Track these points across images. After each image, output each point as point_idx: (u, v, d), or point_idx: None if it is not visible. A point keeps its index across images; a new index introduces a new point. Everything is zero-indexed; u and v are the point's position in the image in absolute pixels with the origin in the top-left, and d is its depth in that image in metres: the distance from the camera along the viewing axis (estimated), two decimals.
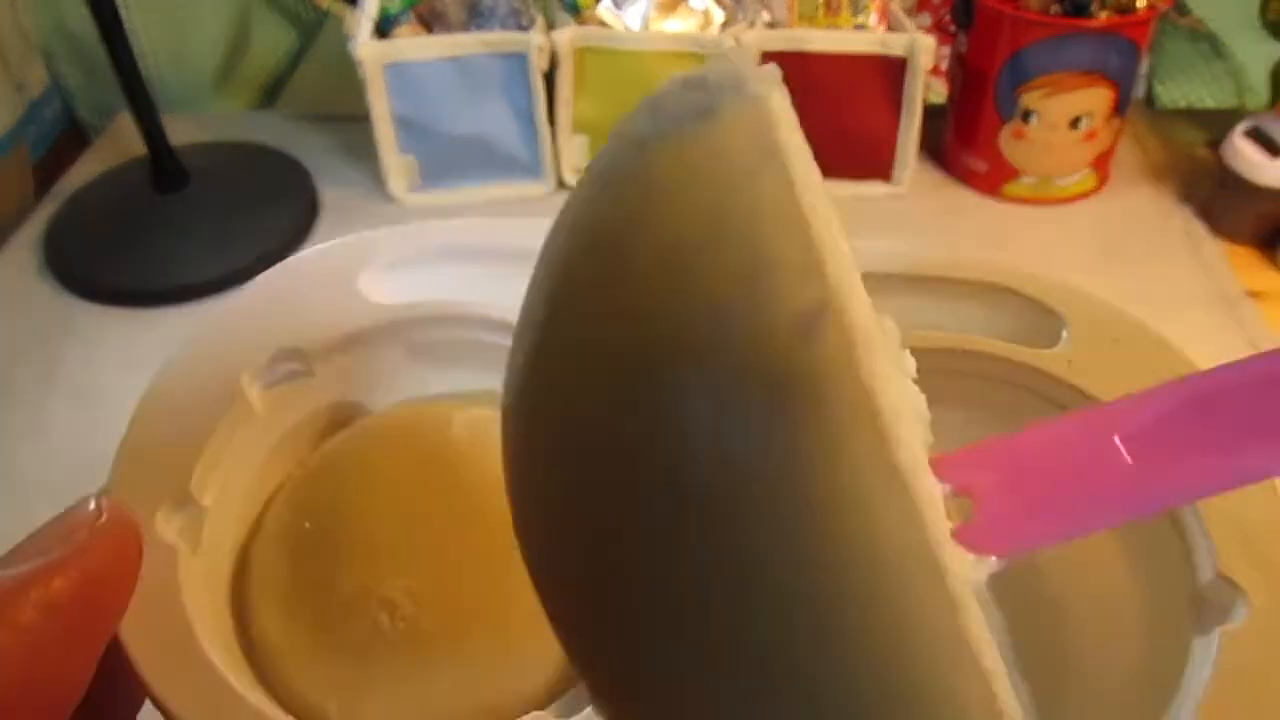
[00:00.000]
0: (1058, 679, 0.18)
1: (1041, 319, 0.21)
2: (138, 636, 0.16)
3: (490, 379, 0.20)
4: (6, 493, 0.50)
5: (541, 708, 0.16)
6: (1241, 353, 0.54)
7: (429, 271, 0.20)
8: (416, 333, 0.20)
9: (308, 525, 0.19)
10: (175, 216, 0.64)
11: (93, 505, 0.16)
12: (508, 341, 0.17)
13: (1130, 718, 0.16)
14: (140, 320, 0.60)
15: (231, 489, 0.18)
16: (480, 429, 0.20)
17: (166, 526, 0.17)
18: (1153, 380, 0.17)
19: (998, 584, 0.18)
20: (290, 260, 0.20)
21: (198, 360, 0.18)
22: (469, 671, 0.17)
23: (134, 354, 0.58)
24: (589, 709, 0.16)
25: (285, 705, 0.17)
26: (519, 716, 0.16)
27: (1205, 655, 0.15)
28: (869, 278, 0.19)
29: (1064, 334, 0.20)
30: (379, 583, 0.18)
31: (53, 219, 0.67)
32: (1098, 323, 0.21)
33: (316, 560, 0.18)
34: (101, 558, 0.16)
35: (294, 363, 0.19)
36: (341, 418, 0.20)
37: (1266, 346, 0.56)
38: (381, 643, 0.17)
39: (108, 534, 0.16)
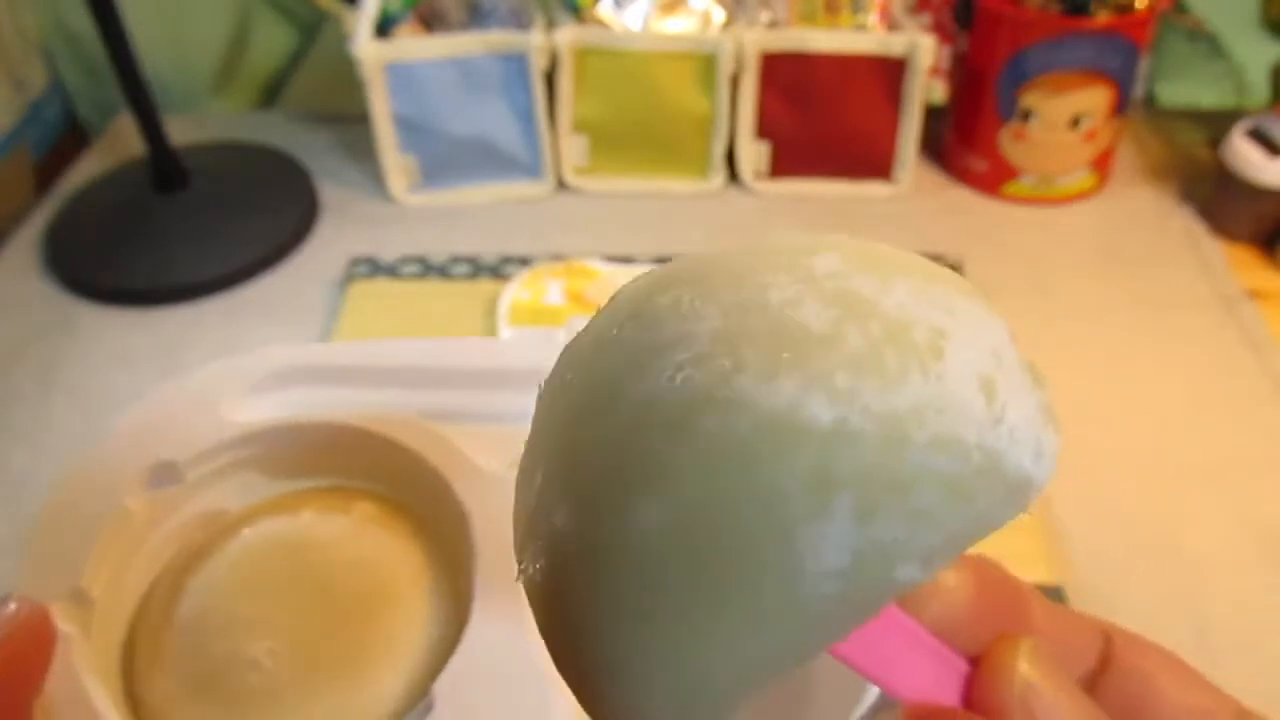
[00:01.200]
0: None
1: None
2: (43, 714, 0.19)
3: (334, 476, 0.24)
4: (6, 493, 0.50)
5: None
6: (1241, 353, 0.54)
7: (279, 392, 0.24)
8: (270, 441, 0.23)
9: (184, 607, 0.22)
10: (175, 216, 0.64)
11: (12, 606, 0.19)
12: (346, 442, 0.22)
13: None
14: (140, 320, 0.60)
15: (117, 581, 0.21)
16: (324, 514, 0.23)
17: (63, 617, 0.19)
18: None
19: None
20: (163, 388, 0.24)
21: (86, 473, 0.22)
22: (323, 709, 0.21)
23: (134, 354, 0.58)
24: (429, 714, 0.19)
25: None
26: None
27: None
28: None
29: None
30: (245, 647, 0.21)
31: (53, 219, 0.67)
32: None
33: (192, 635, 0.22)
34: (20, 642, 0.18)
35: (168, 473, 0.23)
36: (209, 515, 0.24)
37: (1266, 346, 0.56)
38: (248, 694, 0.21)
39: (23, 623, 0.18)
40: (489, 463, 0.22)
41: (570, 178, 0.69)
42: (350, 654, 0.21)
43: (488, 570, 0.21)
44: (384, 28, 0.64)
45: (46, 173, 0.73)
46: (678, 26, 0.66)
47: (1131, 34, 0.61)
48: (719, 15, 0.66)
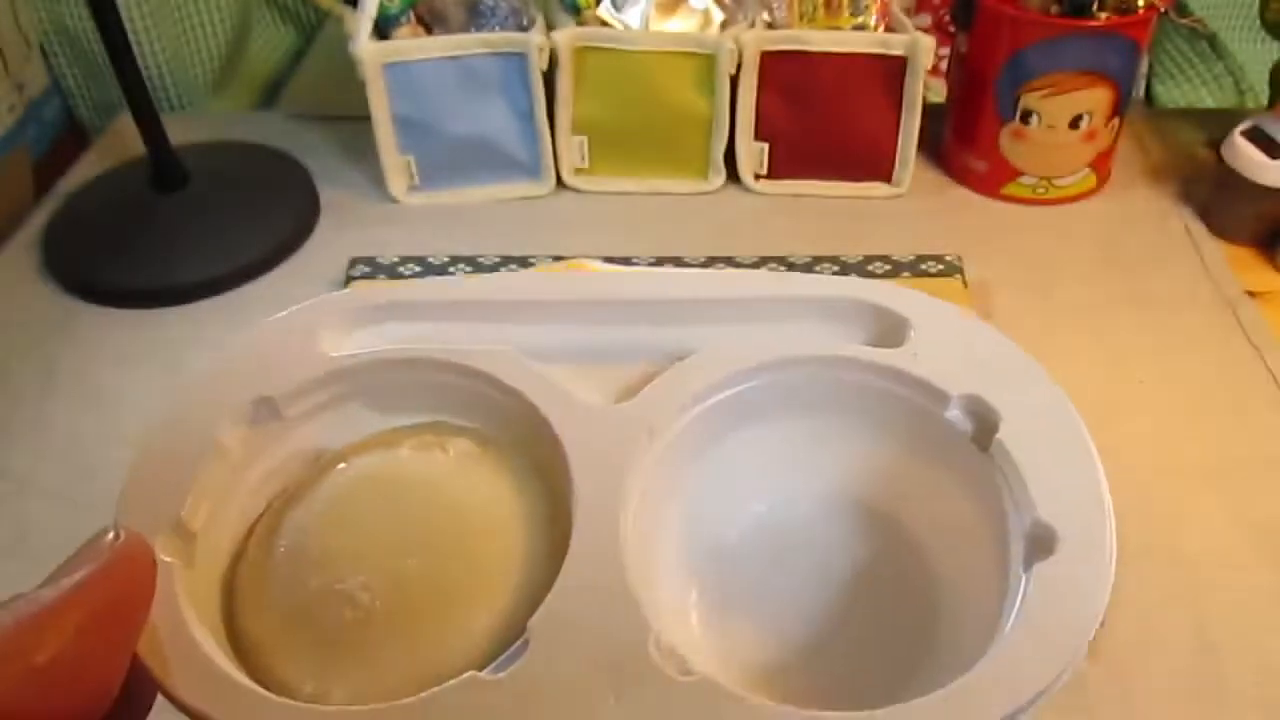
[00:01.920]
0: (928, 602, 0.22)
1: (890, 323, 0.23)
2: (145, 639, 0.19)
3: (433, 413, 0.24)
4: (6, 492, 0.50)
5: (480, 670, 0.20)
6: (1241, 353, 0.55)
7: (375, 328, 0.24)
8: (367, 378, 0.24)
9: (282, 545, 0.22)
10: (175, 216, 0.64)
11: (111, 534, 0.19)
12: (443, 379, 0.22)
13: (984, 633, 0.19)
14: (140, 320, 0.60)
15: (218, 517, 0.22)
16: (423, 450, 0.24)
17: (165, 548, 0.20)
18: (984, 369, 0.21)
19: (863, 529, 0.22)
20: (261, 323, 0.24)
21: (184, 409, 0.22)
22: (417, 645, 0.21)
23: (134, 354, 0.58)
24: (516, 666, 0.19)
25: (268, 690, 0.20)
26: (459, 676, 0.19)
27: (1024, 589, 0.19)
28: (739, 302, 0.23)
29: (910, 333, 0.23)
30: (341, 583, 0.21)
31: (53, 219, 0.67)
32: (938, 320, 0.23)
33: (289, 570, 0.22)
34: (125, 571, 0.19)
35: (266, 409, 0.23)
36: (308, 451, 0.24)
37: (1266, 346, 0.56)
38: (345, 631, 0.21)
39: (125, 552, 0.19)
40: (588, 398, 0.22)
41: (570, 178, 0.69)
42: (446, 591, 0.22)
43: (586, 507, 0.21)
44: (384, 28, 0.64)
45: (46, 173, 0.73)
46: (677, 26, 0.66)
47: (1131, 34, 0.61)
48: (719, 15, 0.66)
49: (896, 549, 0.23)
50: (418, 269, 0.61)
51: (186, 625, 0.20)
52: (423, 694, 0.19)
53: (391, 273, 0.61)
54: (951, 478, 0.22)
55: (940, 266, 0.60)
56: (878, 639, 0.22)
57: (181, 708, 0.19)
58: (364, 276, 0.60)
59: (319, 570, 0.22)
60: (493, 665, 0.20)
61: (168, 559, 0.20)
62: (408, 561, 0.22)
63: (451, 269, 0.61)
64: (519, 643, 0.20)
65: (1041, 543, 0.20)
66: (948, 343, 0.22)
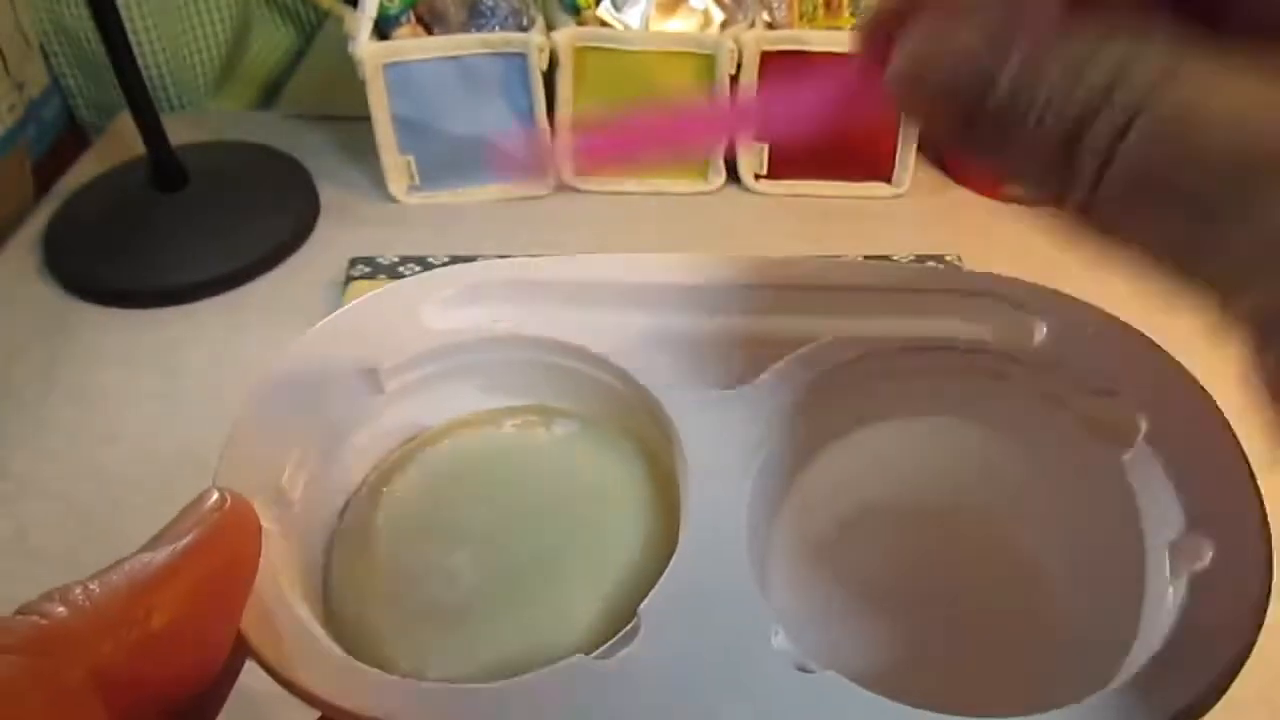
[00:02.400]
0: (1052, 629, 0.20)
1: (1018, 318, 0.23)
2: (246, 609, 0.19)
3: (536, 394, 0.24)
4: (6, 493, 0.50)
5: (586, 654, 0.19)
6: (1241, 353, 0.54)
7: (483, 305, 0.24)
8: (472, 355, 0.23)
9: (382, 519, 0.22)
10: (175, 216, 0.64)
11: (215, 495, 0.19)
12: (550, 359, 0.22)
13: (1117, 645, 0.18)
14: (140, 320, 0.60)
15: (316, 487, 0.21)
16: (527, 429, 0.23)
17: (263, 516, 0.20)
18: (1122, 364, 0.20)
19: (985, 557, 0.21)
20: (364, 297, 0.23)
21: (286, 379, 0.22)
22: (520, 625, 0.20)
23: (134, 354, 0.58)
24: (625, 651, 0.19)
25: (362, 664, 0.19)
26: (565, 659, 0.19)
27: (1171, 600, 0.18)
28: (861, 290, 0.23)
29: (1040, 328, 0.23)
30: (441, 559, 0.21)
31: (53, 219, 0.67)
32: (1070, 313, 0.23)
33: (387, 545, 0.21)
34: (233, 535, 0.19)
35: (369, 382, 0.22)
36: (409, 427, 0.23)
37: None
38: (444, 608, 0.21)
39: (231, 512, 0.19)
40: (700, 383, 0.22)
41: (570, 178, 0.69)
42: (552, 572, 0.21)
43: (699, 491, 0.20)
44: (384, 28, 0.64)
45: (46, 173, 0.73)
46: (677, 26, 0.66)
47: None
48: (719, 15, 0.66)
49: (1014, 561, 0.22)
50: (417, 269, 0.61)
51: (284, 594, 0.19)
52: (527, 675, 0.18)
53: (391, 273, 0.61)
54: (1080, 484, 0.21)
55: (940, 267, 0.60)
56: (994, 657, 0.21)
57: (279, 679, 0.19)
58: (364, 276, 0.60)
59: (419, 546, 0.21)
60: (601, 649, 0.19)
61: (267, 526, 0.20)
62: (511, 540, 0.21)
63: None
64: (628, 627, 0.19)
65: (1190, 551, 0.19)
66: (1081, 337, 0.22)
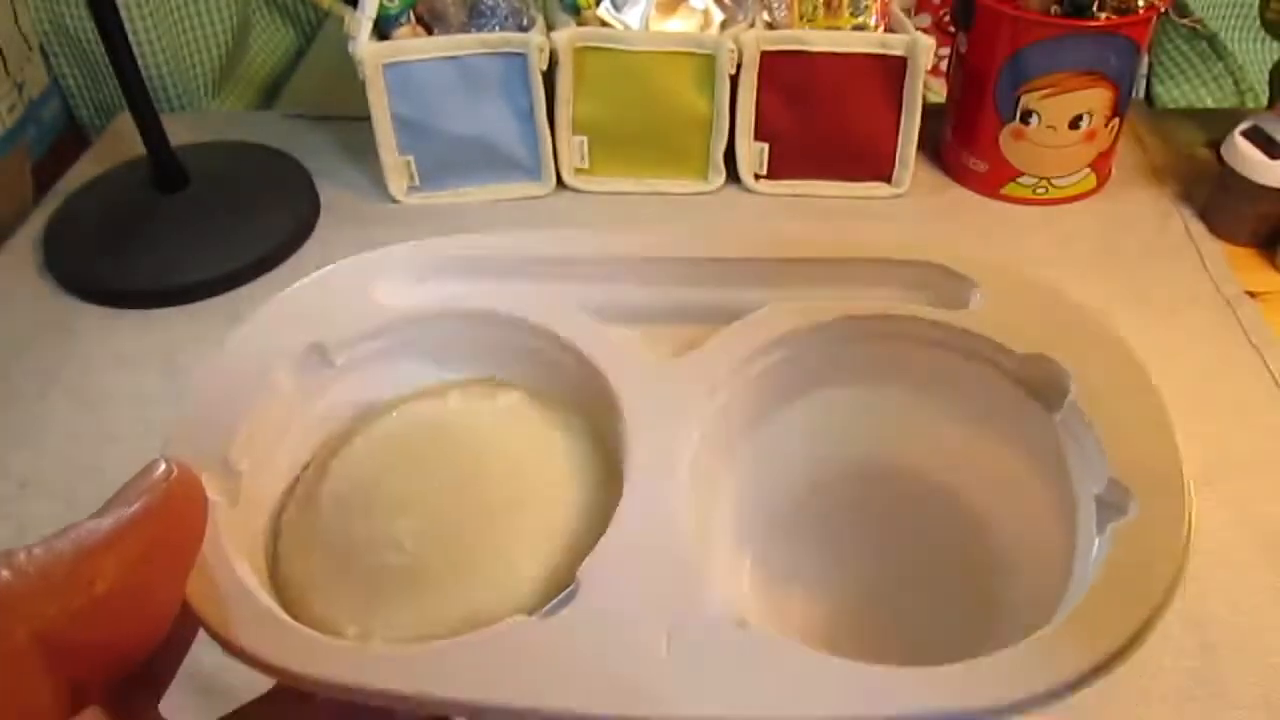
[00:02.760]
0: (992, 578, 0.21)
1: (955, 286, 0.23)
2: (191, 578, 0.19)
3: (483, 367, 0.24)
4: (6, 492, 0.50)
5: (528, 615, 0.19)
6: (1241, 353, 0.55)
7: (432, 282, 0.24)
8: (419, 330, 0.23)
9: (329, 489, 0.22)
10: (175, 216, 0.64)
11: (163, 466, 0.20)
12: (495, 333, 0.22)
13: (1050, 598, 0.19)
14: (140, 320, 0.60)
15: (265, 460, 0.22)
16: (472, 400, 0.23)
17: (210, 486, 0.20)
18: (1053, 329, 0.21)
19: (928, 517, 0.22)
20: (316, 274, 0.23)
21: (237, 353, 0.22)
22: (463, 590, 0.21)
23: (134, 354, 0.58)
24: (565, 611, 0.19)
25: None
26: (506, 621, 0.19)
27: (1099, 549, 0.18)
28: (808, 261, 0.23)
29: (975, 295, 0.22)
30: (388, 527, 0.21)
31: (53, 219, 0.67)
32: (1005, 281, 0.23)
33: (335, 515, 0.22)
34: (180, 504, 0.19)
35: (318, 356, 0.23)
36: (357, 401, 0.24)
37: (1266, 346, 0.56)
38: (389, 574, 0.21)
39: (177, 482, 0.19)
40: (644, 353, 0.22)
41: (570, 178, 0.69)
42: (494, 538, 0.21)
43: (639, 460, 0.20)
44: (384, 28, 0.64)
45: (46, 173, 0.73)
46: (677, 26, 0.66)
47: (1131, 34, 0.61)
48: (719, 15, 0.66)
49: (955, 516, 0.23)
50: None
51: (229, 562, 0.20)
52: (469, 635, 0.19)
53: None
54: (1015, 441, 0.22)
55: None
56: (936, 607, 0.21)
57: (224, 644, 0.19)
58: None
59: (365, 514, 0.22)
60: (541, 611, 0.20)
61: (213, 497, 0.20)
62: (455, 508, 0.22)
63: None
64: (568, 590, 0.20)
65: (1116, 503, 0.19)
66: (1015, 303, 0.22)
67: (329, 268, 0.24)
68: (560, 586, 0.20)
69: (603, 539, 0.20)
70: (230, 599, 0.19)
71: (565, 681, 0.17)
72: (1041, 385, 0.21)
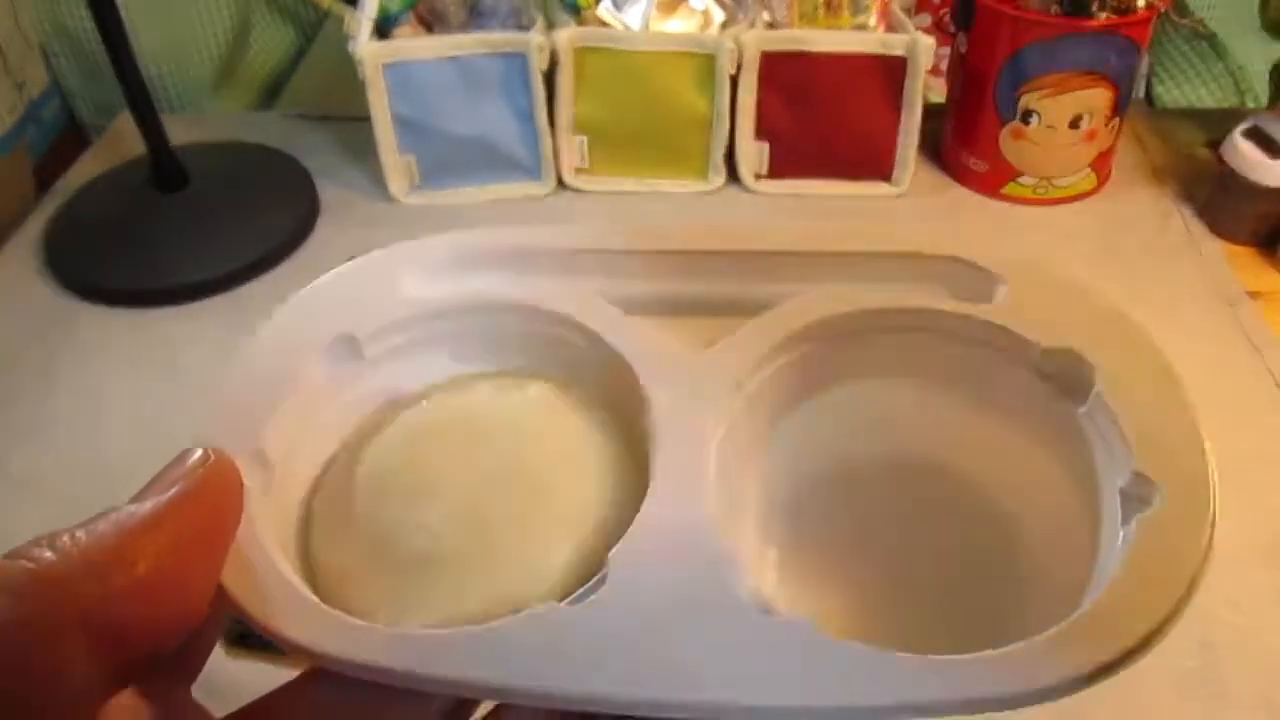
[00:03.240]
0: (1018, 569, 0.22)
1: (980, 280, 0.23)
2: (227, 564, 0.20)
3: (511, 359, 0.24)
4: (6, 492, 0.50)
5: (558, 601, 0.20)
6: (1241, 353, 0.55)
7: (461, 274, 0.24)
8: (449, 322, 0.24)
9: (360, 477, 0.22)
10: (175, 216, 0.64)
11: (199, 452, 0.20)
12: (525, 325, 0.23)
13: (1076, 588, 0.19)
14: (140, 320, 0.60)
15: (296, 449, 0.22)
16: (502, 391, 0.24)
17: (244, 475, 0.20)
18: (1077, 323, 0.21)
19: (953, 509, 0.22)
20: (346, 265, 0.24)
21: (268, 343, 0.22)
22: (494, 576, 0.21)
23: (134, 354, 0.58)
24: (594, 597, 0.19)
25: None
26: (536, 606, 0.19)
27: (1124, 541, 0.19)
28: (835, 255, 0.23)
29: (1000, 290, 0.23)
30: (418, 514, 0.22)
31: (53, 219, 0.67)
32: (1030, 276, 0.23)
33: (366, 502, 0.22)
34: (216, 489, 0.20)
35: (348, 348, 0.23)
36: (387, 391, 0.24)
37: (1266, 346, 0.56)
38: (421, 559, 0.21)
39: (215, 468, 0.20)
40: (671, 345, 0.22)
41: (570, 178, 0.69)
42: (524, 524, 0.22)
43: (667, 450, 0.21)
44: (384, 28, 0.64)
45: (46, 173, 0.73)
46: (677, 26, 0.66)
47: (1131, 34, 0.61)
48: (719, 15, 0.66)
49: (981, 508, 0.23)
50: None
51: (263, 548, 0.20)
52: (500, 620, 0.19)
53: None
54: (1040, 434, 0.22)
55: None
56: (961, 597, 0.22)
57: (260, 628, 0.19)
58: None
59: (396, 502, 0.22)
60: (572, 597, 0.20)
61: (247, 484, 0.20)
62: (485, 496, 0.22)
63: None
64: (598, 576, 0.20)
65: (1141, 495, 0.19)
66: (1039, 298, 0.22)
67: (357, 260, 0.24)
68: (590, 573, 0.21)
69: (631, 527, 0.20)
70: (265, 584, 0.19)
71: (594, 666, 0.18)
72: (1066, 379, 0.21)
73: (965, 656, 0.17)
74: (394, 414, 0.23)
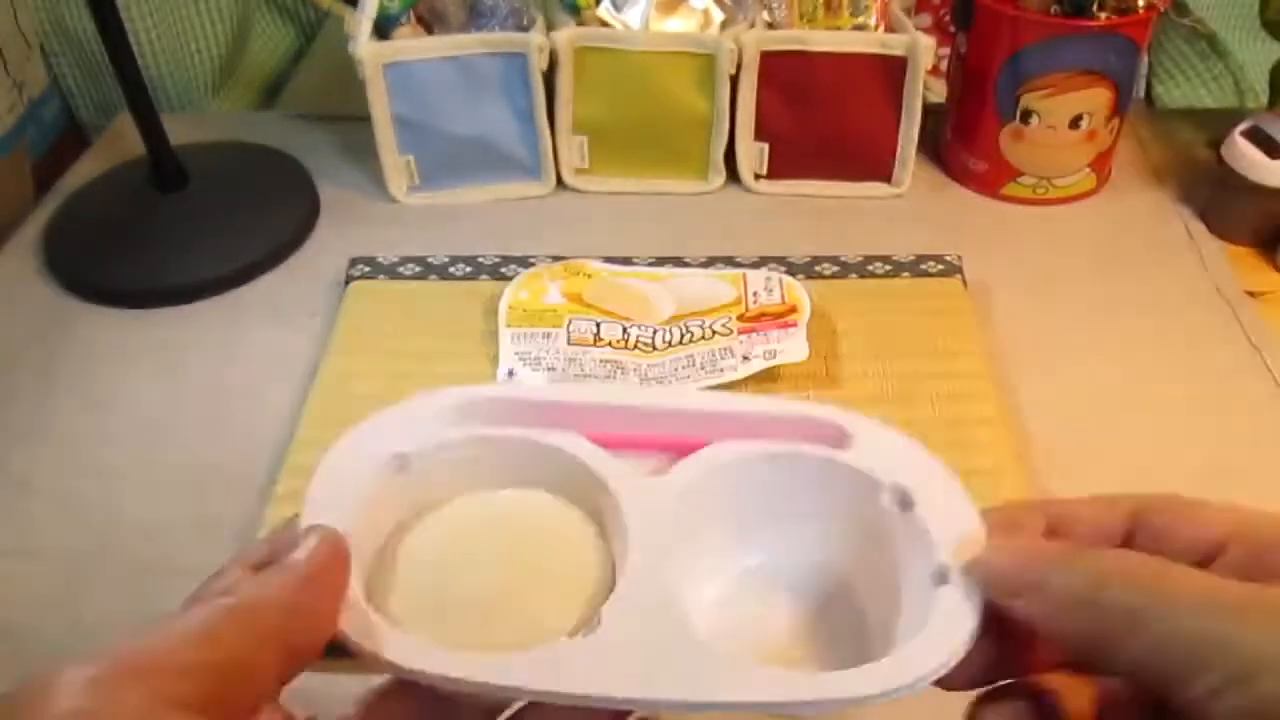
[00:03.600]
0: (868, 622, 0.32)
1: (839, 433, 0.32)
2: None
3: (521, 476, 0.33)
4: (6, 492, 0.50)
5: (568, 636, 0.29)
6: (1241, 353, 0.55)
7: (478, 413, 0.33)
8: (473, 449, 0.32)
9: (405, 553, 0.31)
10: (175, 216, 0.64)
11: (306, 527, 0.28)
12: (531, 453, 0.32)
13: (907, 638, 0.28)
14: (140, 320, 0.60)
15: (361, 534, 0.29)
16: (514, 496, 0.32)
17: None
18: (903, 462, 0.32)
19: (810, 584, 0.33)
20: (398, 405, 0.33)
21: (339, 457, 0.31)
22: (512, 628, 0.29)
23: (134, 354, 0.58)
24: (591, 636, 0.28)
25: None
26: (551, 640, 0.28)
27: (931, 606, 0.28)
28: (733, 415, 0.33)
29: (854, 440, 0.32)
30: (455, 580, 0.30)
31: (53, 219, 0.67)
32: (872, 432, 0.32)
33: (414, 573, 0.30)
34: (333, 554, 0.27)
35: (400, 461, 0.31)
36: (424, 501, 0.32)
37: (1266, 346, 0.56)
38: (454, 614, 0.29)
39: (332, 539, 0.27)
40: (633, 469, 0.32)
41: (570, 178, 0.69)
42: (539, 586, 0.30)
43: (637, 537, 0.30)
44: (384, 28, 0.64)
45: (46, 173, 0.73)
46: (677, 26, 0.66)
47: (1131, 34, 0.61)
48: (719, 15, 0.66)
49: (847, 592, 0.33)
50: (418, 269, 0.61)
51: (361, 605, 0.27)
52: (529, 648, 0.27)
53: (391, 273, 0.61)
54: (883, 538, 0.31)
55: (940, 267, 0.60)
56: (836, 652, 0.31)
57: (356, 651, 0.26)
58: (364, 277, 0.60)
59: (437, 571, 0.30)
60: (579, 634, 0.28)
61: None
62: (507, 565, 0.30)
63: (452, 269, 0.61)
64: (593, 624, 0.28)
65: (941, 575, 0.28)
66: (880, 447, 0.32)
67: (407, 401, 0.33)
68: (591, 621, 0.28)
69: (614, 592, 0.29)
70: (362, 621, 0.27)
71: (597, 676, 0.27)
72: (899, 501, 0.31)
73: (805, 673, 0.28)
74: (429, 511, 0.32)
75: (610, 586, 0.29)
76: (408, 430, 0.32)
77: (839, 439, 0.32)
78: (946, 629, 0.27)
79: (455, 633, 0.28)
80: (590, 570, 0.30)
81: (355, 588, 0.27)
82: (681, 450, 0.32)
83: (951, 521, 0.29)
